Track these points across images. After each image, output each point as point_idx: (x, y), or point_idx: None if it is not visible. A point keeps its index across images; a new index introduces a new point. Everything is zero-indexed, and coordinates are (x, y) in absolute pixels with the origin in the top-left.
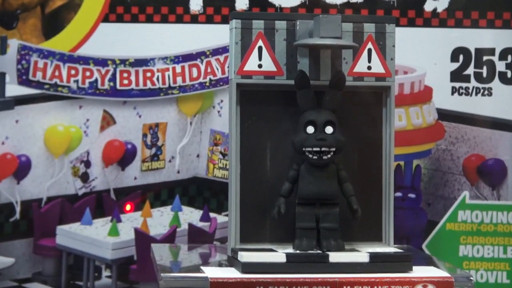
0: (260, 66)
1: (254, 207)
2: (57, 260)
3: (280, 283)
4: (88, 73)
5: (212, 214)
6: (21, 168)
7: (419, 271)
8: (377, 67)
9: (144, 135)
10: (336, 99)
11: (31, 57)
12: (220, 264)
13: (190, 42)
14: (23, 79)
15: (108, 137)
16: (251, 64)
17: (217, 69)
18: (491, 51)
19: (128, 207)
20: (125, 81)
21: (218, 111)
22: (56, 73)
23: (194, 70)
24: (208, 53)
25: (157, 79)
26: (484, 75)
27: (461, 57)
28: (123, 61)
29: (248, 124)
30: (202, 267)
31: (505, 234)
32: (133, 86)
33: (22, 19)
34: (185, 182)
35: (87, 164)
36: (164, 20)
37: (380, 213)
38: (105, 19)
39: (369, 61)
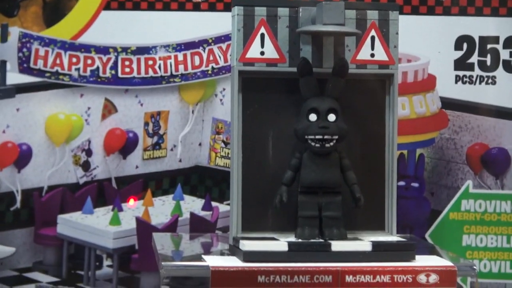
0: (262, 53)
1: (256, 195)
2: (58, 250)
3: (282, 271)
4: (89, 61)
5: (214, 203)
6: (22, 157)
7: (422, 260)
8: (381, 54)
9: (146, 124)
10: (339, 87)
11: (32, 45)
12: (222, 253)
13: (192, 30)
14: (24, 67)
15: (110, 125)
16: (253, 51)
17: (219, 57)
18: (495, 39)
19: (131, 201)
20: (127, 69)
21: (221, 100)
22: (57, 61)
23: (196, 58)
24: (210, 41)
25: (159, 67)
26: (488, 63)
27: (465, 45)
28: (125, 49)
29: (250, 112)
30: (203, 256)
31: (509, 223)
32: (134, 74)
33: (23, 7)
34: (187, 171)
35: (89, 152)
36: (166, 7)
37: (383, 202)
38: (107, 6)
39: (372, 48)
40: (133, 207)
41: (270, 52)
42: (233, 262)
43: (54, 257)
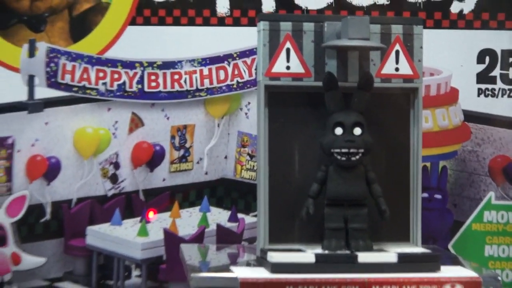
0: (288, 67)
1: (282, 208)
2: (88, 260)
3: (309, 283)
4: (116, 76)
5: (240, 215)
6: (51, 170)
7: (447, 271)
8: (405, 68)
9: (172, 137)
10: (364, 101)
11: (60, 60)
12: (248, 264)
13: (217, 45)
14: (52, 81)
15: (137, 139)
16: (279, 66)
17: (244, 71)
18: None
19: (151, 214)
20: (153, 84)
21: (246, 113)
22: (85, 76)
23: (221, 73)
24: (235, 55)
25: (185, 81)
26: (510, 76)
27: (487, 59)
28: (151, 64)
29: (276, 126)
30: (231, 267)
31: None
32: (161, 88)
33: (50, 22)
34: (213, 183)
35: (116, 165)
36: (192, 22)
37: (408, 213)
38: (133, 21)
39: (397, 62)
40: (153, 220)
41: (296, 66)
42: (261, 273)
43: (84, 267)
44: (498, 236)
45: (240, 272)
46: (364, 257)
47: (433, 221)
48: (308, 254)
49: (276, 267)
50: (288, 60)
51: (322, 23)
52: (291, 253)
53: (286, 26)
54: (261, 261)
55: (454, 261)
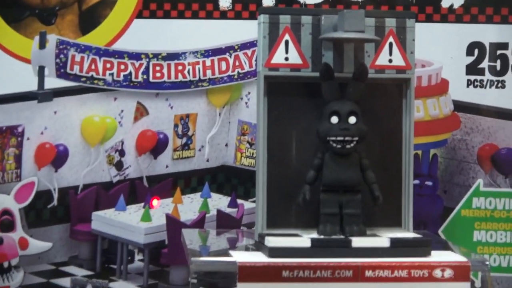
0: (286, 59)
1: (280, 194)
2: (93, 244)
3: (305, 267)
4: (122, 67)
5: (239, 201)
6: (59, 157)
7: (437, 256)
8: (398, 60)
9: (176, 126)
10: (359, 91)
11: (69, 52)
12: (247, 248)
13: (220, 37)
14: (61, 72)
15: (142, 127)
16: (278, 57)
17: (245, 62)
18: (505, 46)
19: (155, 202)
20: (158, 74)
21: (246, 103)
22: (93, 67)
23: (223, 64)
24: (236, 47)
25: (188, 72)
26: (498, 68)
27: (476, 51)
28: (156, 55)
29: (275, 115)
30: (230, 252)
31: None
32: (165, 78)
33: (60, 16)
34: (214, 170)
35: (122, 153)
36: (195, 16)
37: (400, 199)
38: (139, 15)
39: (390, 54)
40: (156, 207)
41: (294, 58)
42: (258, 257)
43: (89, 251)
44: (486, 222)
45: (239, 256)
46: (357, 241)
47: (424, 207)
48: (304, 239)
49: (274, 252)
50: (286, 52)
51: (320, 16)
52: (288, 238)
53: (285, 19)
54: (259, 245)
55: (444, 246)
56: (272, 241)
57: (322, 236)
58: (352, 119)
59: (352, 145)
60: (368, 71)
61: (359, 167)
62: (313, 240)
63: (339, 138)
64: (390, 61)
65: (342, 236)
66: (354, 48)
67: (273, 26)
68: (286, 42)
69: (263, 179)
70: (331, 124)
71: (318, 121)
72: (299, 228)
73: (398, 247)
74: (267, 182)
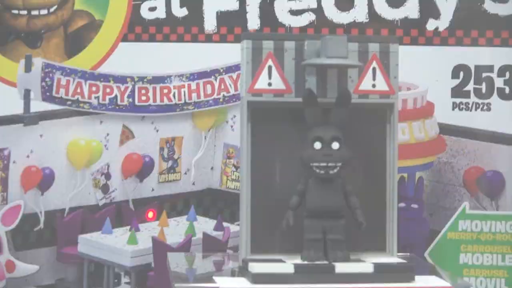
0: (270, 84)
1: (264, 219)
2: (79, 267)
3: None
4: (108, 90)
5: (225, 224)
6: (45, 180)
7: (421, 281)
8: (381, 85)
9: (161, 149)
10: (342, 116)
11: (55, 75)
12: (232, 272)
13: (205, 60)
14: (47, 95)
15: (127, 150)
16: (261, 83)
17: (230, 86)
18: (490, 68)
19: (150, 214)
20: (143, 97)
21: (231, 126)
22: (78, 90)
23: (209, 87)
24: (221, 70)
25: (174, 95)
26: (483, 91)
27: (461, 74)
28: (142, 79)
29: (258, 140)
30: (214, 277)
31: (504, 242)
32: (150, 102)
33: (46, 39)
34: (200, 193)
35: (107, 176)
36: (180, 39)
37: (384, 224)
38: (124, 38)
39: (374, 79)
40: (152, 220)
41: (277, 83)
42: (242, 283)
43: (76, 274)
44: (472, 245)
45: (222, 283)
46: (341, 267)
47: (410, 230)
48: (287, 265)
49: (257, 278)
50: (270, 77)
51: (303, 41)
52: (271, 264)
53: (268, 45)
54: (243, 271)
55: (430, 270)
56: (255, 267)
57: (305, 262)
58: (335, 145)
59: (335, 170)
60: (351, 97)
61: (343, 192)
62: (296, 266)
63: (322, 164)
64: (374, 86)
65: (325, 262)
66: (338, 73)
67: (256, 52)
68: (269, 68)
69: (247, 204)
70: (314, 150)
71: (302, 146)
72: (283, 253)
73: (381, 272)
74: (251, 208)
